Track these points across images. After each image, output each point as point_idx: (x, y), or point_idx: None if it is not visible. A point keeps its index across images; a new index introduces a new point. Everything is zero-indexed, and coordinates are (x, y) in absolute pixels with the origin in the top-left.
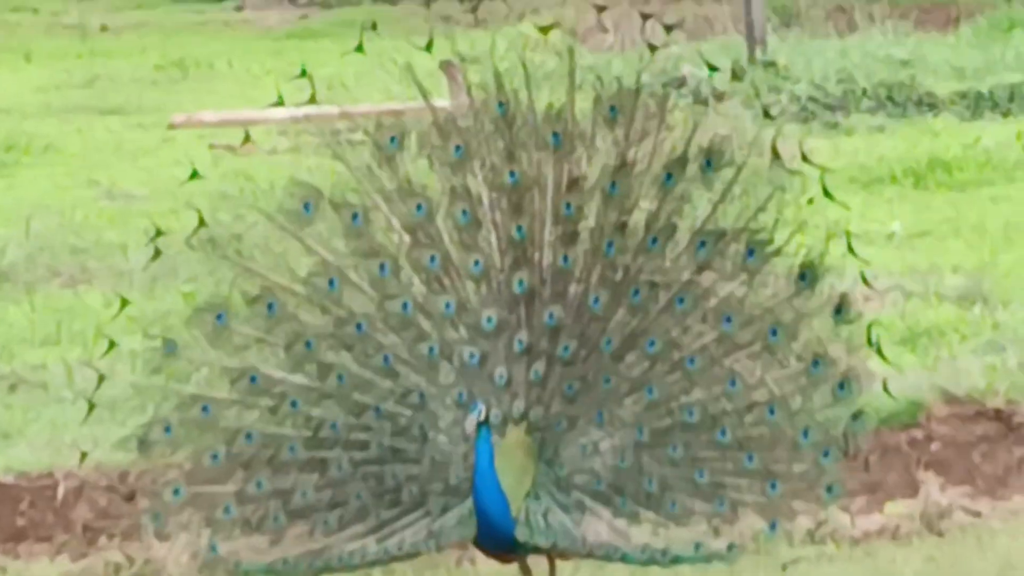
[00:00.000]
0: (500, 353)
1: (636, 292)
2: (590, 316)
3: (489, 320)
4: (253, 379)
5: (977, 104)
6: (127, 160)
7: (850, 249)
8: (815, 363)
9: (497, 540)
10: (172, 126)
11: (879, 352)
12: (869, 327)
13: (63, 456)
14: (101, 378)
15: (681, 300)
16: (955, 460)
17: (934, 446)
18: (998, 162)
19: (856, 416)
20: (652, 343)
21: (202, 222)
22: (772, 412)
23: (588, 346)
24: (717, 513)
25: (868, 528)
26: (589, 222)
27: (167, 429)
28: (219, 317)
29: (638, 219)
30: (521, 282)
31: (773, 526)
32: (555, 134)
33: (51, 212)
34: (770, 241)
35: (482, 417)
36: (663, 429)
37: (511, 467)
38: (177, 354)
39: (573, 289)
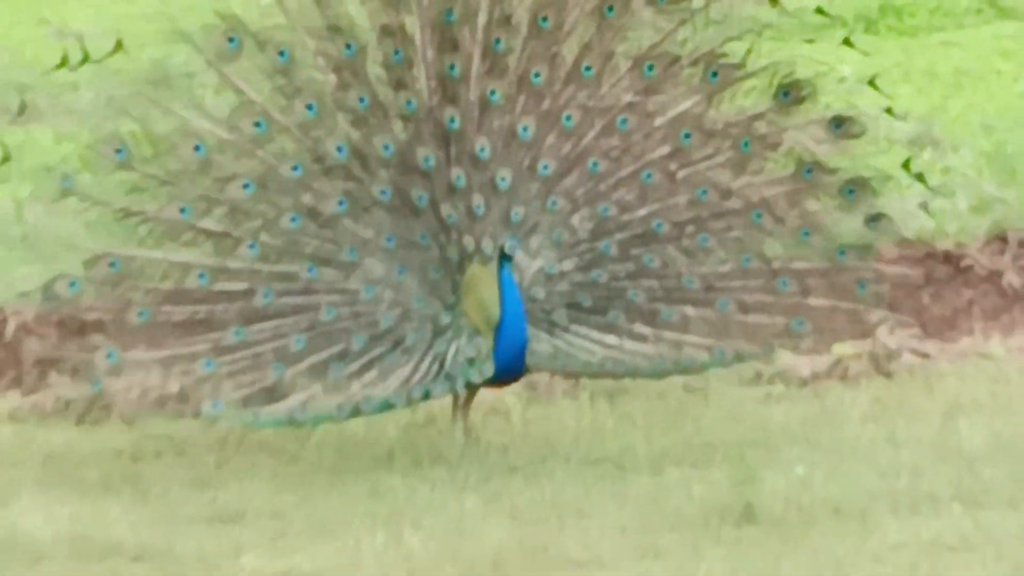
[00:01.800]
0: (443, 191)
1: (568, 118)
2: (520, 144)
3: (427, 159)
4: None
5: None
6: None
7: (873, 85)
8: (807, 170)
9: (511, 370)
10: None
11: (920, 178)
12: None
13: (11, 292)
14: None
15: (624, 121)
16: (904, 302)
17: (883, 288)
18: (949, 7)
19: (874, 219)
20: (595, 164)
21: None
22: (759, 216)
23: (523, 173)
24: (722, 315)
25: (816, 369)
26: (516, 55)
27: (72, 284)
28: (119, 152)
29: (569, 50)
30: (452, 119)
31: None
32: None
33: (1, 50)
34: (741, 66)
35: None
36: (628, 241)
37: (478, 301)
38: (72, 190)
39: (499, 122)
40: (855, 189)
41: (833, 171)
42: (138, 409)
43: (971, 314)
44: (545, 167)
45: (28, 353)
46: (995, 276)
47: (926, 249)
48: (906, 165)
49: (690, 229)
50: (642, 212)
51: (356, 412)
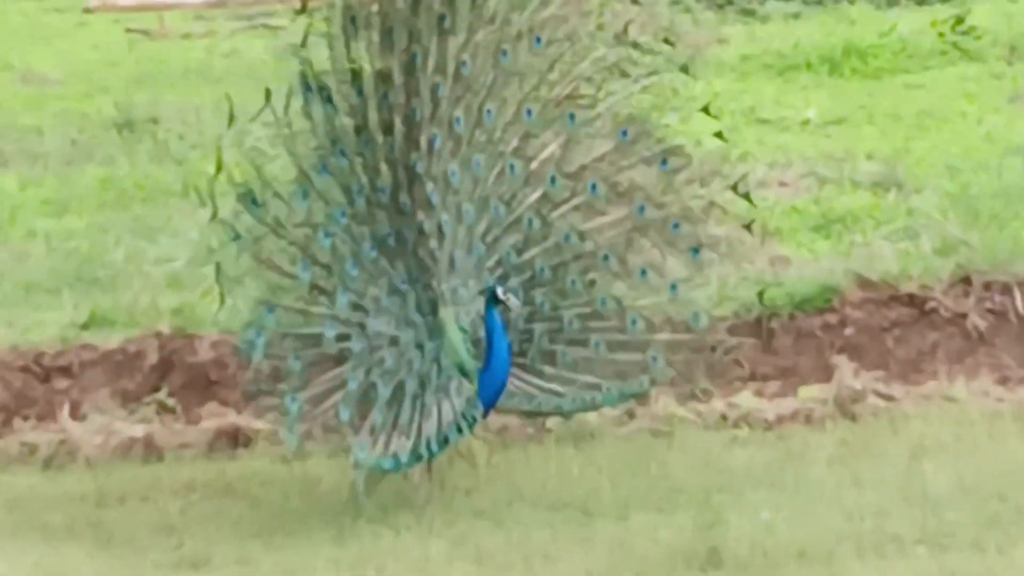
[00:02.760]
0: (414, 234)
1: (477, 163)
2: (451, 189)
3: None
4: None
5: None
6: (42, 44)
7: (706, 111)
8: (639, 208)
9: (488, 410)
10: (88, 10)
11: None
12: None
13: None
14: None
15: (512, 167)
16: (869, 345)
17: (848, 331)
18: (913, 50)
19: (696, 250)
20: (496, 208)
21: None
22: (606, 258)
23: (456, 218)
24: (598, 354)
25: (781, 412)
26: (446, 100)
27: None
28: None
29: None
30: (416, 162)
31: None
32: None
33: None
34: (591, 106)
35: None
36: (527, 284)
37: (449, 344)
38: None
39: (438, 167)
40: (679, 223)
41: (661, 206)
42: (101, 455)
43: (935, 357)
44: (468, 212)
45: None
46: (959, 319)
47: (890, 292)
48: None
49: (561, 272)
50: (528, 255)
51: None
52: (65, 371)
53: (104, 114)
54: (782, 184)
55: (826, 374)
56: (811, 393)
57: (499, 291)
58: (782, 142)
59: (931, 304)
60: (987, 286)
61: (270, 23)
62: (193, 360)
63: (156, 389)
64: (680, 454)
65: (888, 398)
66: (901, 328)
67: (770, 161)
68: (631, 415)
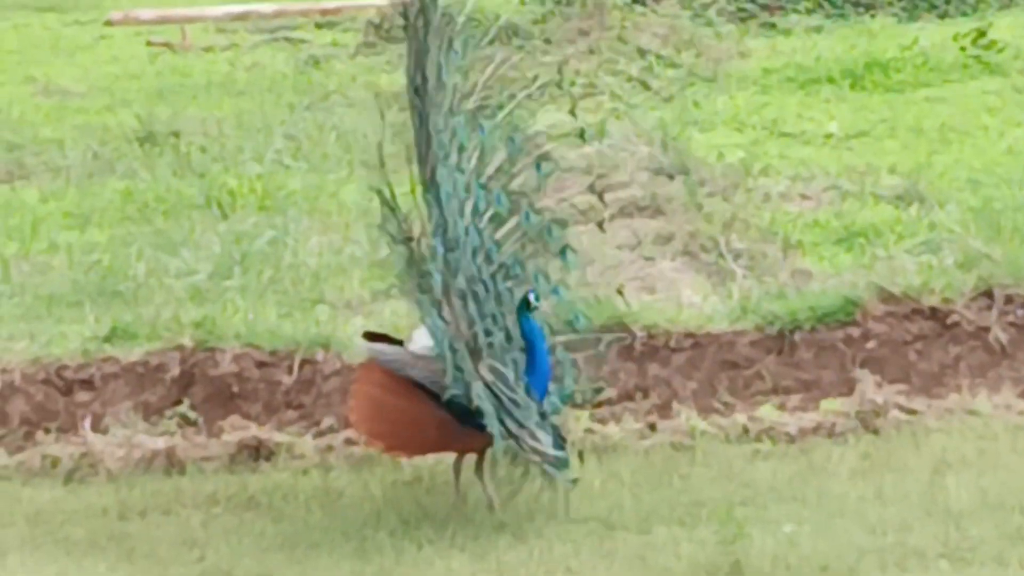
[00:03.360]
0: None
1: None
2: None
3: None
4: None
5: (914, 5)
6: (64, 57)
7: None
8: (526, 215)
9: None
10: (109, 23)
11: None
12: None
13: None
14: None
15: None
16: (891, 358)
17: (870, 344)
18: (935, 63)
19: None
20: None
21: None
22: (514, 266)
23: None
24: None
25: (804, 425)
26: None
27: None
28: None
29: None
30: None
31: None
32: None
33: None
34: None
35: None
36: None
37: None
38: None
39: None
40: (552, 227)
41: (539, 212)
42: (124, 468)
43: (958, 370)
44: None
45: (14, 412)
46: (982, 332)
47: (912, 305)
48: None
49: (495, 281)
50: (476, 265)
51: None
52: (87, 384)
53: (126, 127)
54: (804, 197)
55: (848, 388)
56: (834, 407)
57: (531, 297)
58: (804, 156)
59: (953, 318)
60: (1009, 299)
61: (292, 36)
62: (215, 373)
63: (178, 402)
64: (702, 468)
65: (910, 412)
66: (923, 342)
67: (792, 174)
68: (653, 428)
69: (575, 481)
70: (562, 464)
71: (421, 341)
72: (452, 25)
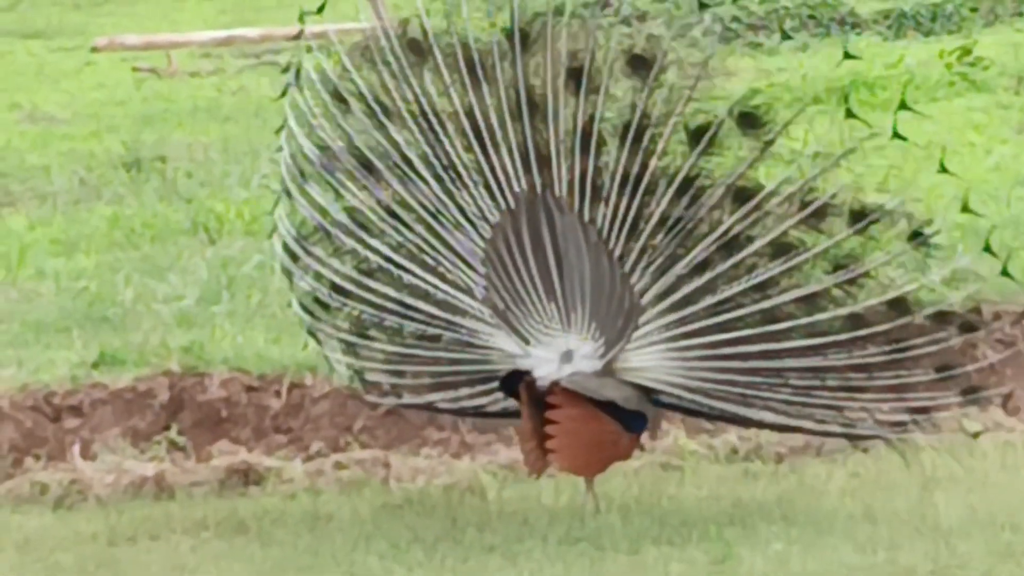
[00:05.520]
0: None
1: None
2: None
3: None
4: None
5: (900, 23)
6: (49, 83)
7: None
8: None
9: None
10: (95, 49)
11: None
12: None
13: None
14: None
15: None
16: None
17: None
18: (921, 81)
19: None
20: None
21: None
22: None
23: None
24: None
25: (793, 444)
26: None
27: None
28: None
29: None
30: None
31: None
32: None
33: None
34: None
35: None
36: None
37: None
38: None
39: None
40: None
41: None
42: (113, 494)
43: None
44: None
45: (3, 439)
46: (970, 349)
47: None
48: None
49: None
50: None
51: None
52: (75, 410)
53: (112, 153)
54: None
55: None
56: None
57: None
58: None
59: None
60: (997, 316)
61: (278, 60)
62: (203, 398)
63: (167, 427)
64: (692, 488)
65: None
66: None
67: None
68: (642, 448)
69: None
70: None
71: None
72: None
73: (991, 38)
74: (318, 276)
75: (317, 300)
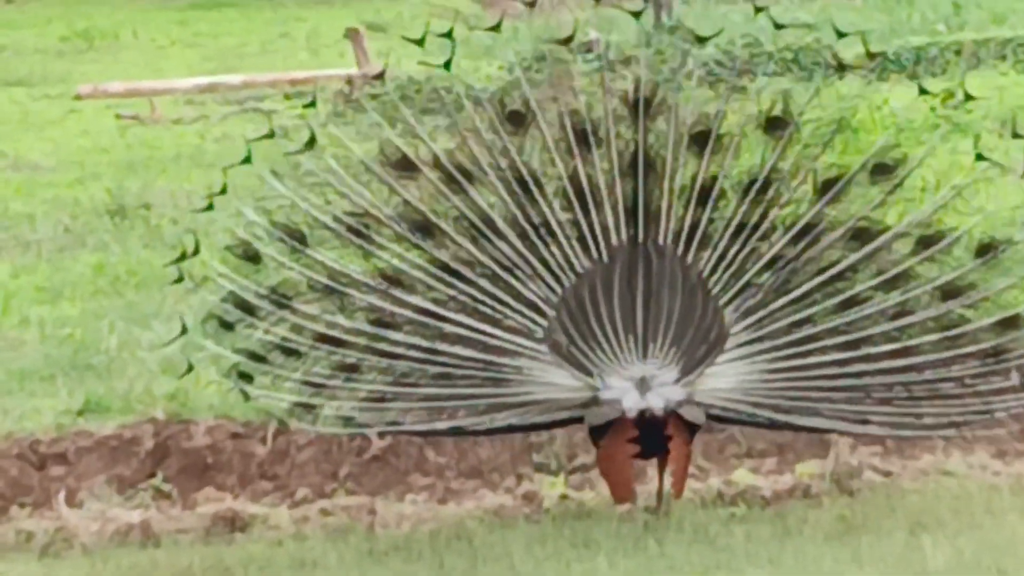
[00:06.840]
0: None
1: None
2: None
3: None
4: None
5: (883, 67)
6: (33, 131)
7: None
8: None
9: None
10: (78, 97)
11: None
12: None
13: None
14: None
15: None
16: None
17: None
18: (905, 124)
19: None
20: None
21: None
22: None
23: None
24: None
25: (779, 488)
26: None
27: None
28: None
29: None
30: None
31: None
32: None
33: None
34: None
35: None
36: None
37: None
38: None
39: None
40: None
41: None
42: (98, 542)
43: None
44: None
45: None
46: None
47: None
48: None
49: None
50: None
51: None
52: (61, 458)
53: (96, 200)
54: None
55: (823, 449)
56: (808, 469)
57: None
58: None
59: None
60: None
61: (261, 107)
62: (188, 445)
63: (152, 475)
64: (677, 532)
65: (885, 473)
66: None
67: None
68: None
69: None
70: None
71: None
72: None
73: (975, 81)
74: (297, 328)
75: (285, 349)
